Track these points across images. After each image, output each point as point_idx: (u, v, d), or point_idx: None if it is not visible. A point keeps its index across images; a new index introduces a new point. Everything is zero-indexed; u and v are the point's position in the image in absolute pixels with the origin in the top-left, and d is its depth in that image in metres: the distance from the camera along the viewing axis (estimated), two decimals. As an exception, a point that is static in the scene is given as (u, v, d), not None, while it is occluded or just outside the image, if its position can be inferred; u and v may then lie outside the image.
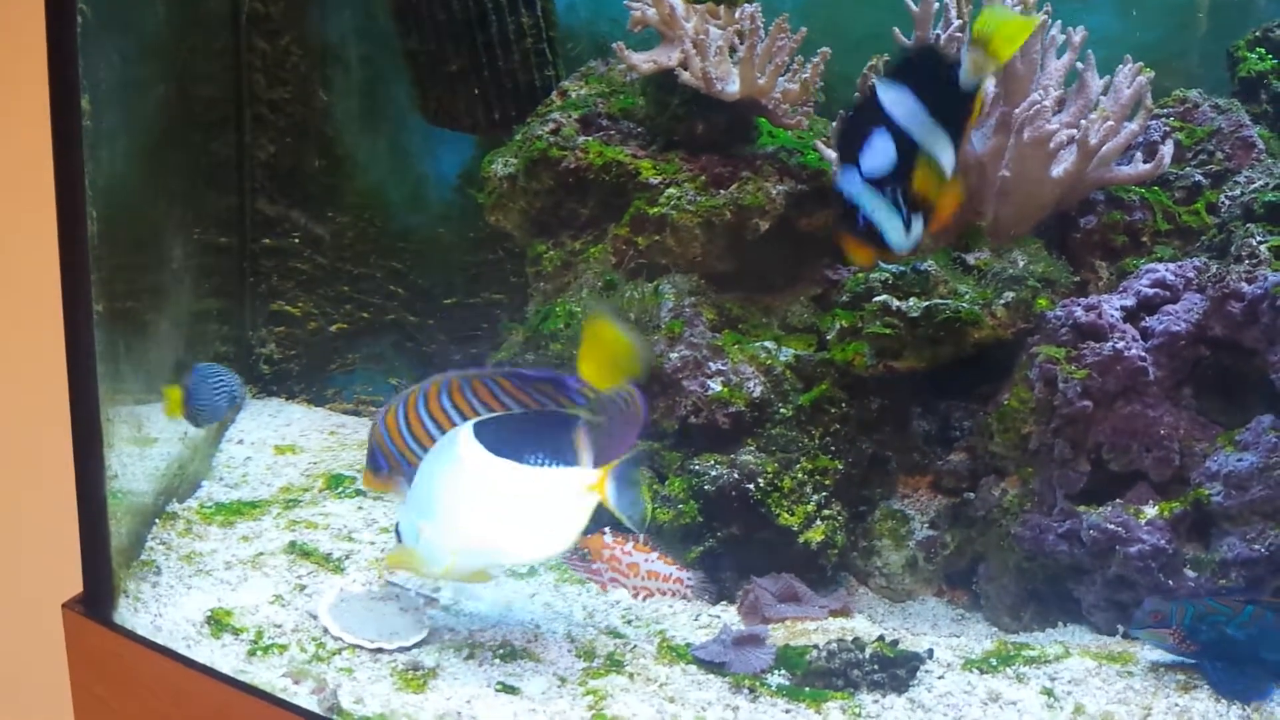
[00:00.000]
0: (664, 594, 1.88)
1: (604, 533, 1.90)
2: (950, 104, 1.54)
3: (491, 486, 1.54)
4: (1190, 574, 1.76)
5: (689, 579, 1.90)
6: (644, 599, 1.88)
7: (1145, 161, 2.14)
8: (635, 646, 1.72)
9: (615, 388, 1.74)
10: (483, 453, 1.54)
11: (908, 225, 1.55)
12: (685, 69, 2.15)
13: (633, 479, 1.58)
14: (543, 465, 1.55)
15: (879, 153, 1.53)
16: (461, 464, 1.55)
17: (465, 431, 1.56)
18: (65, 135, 1.57)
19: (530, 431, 1.58)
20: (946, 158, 1.55)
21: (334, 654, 1.65)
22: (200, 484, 2.21)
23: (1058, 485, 1.89)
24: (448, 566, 1.60)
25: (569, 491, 1.54)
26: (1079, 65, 2.15)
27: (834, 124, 2.22)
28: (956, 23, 2.05)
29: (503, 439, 1.56)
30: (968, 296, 2.02)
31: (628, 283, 2.13)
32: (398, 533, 1.61)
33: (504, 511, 1.54)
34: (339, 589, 1.82)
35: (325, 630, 1.69)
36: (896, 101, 1.53)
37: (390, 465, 1.71)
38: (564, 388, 1.72)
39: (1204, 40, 2.46)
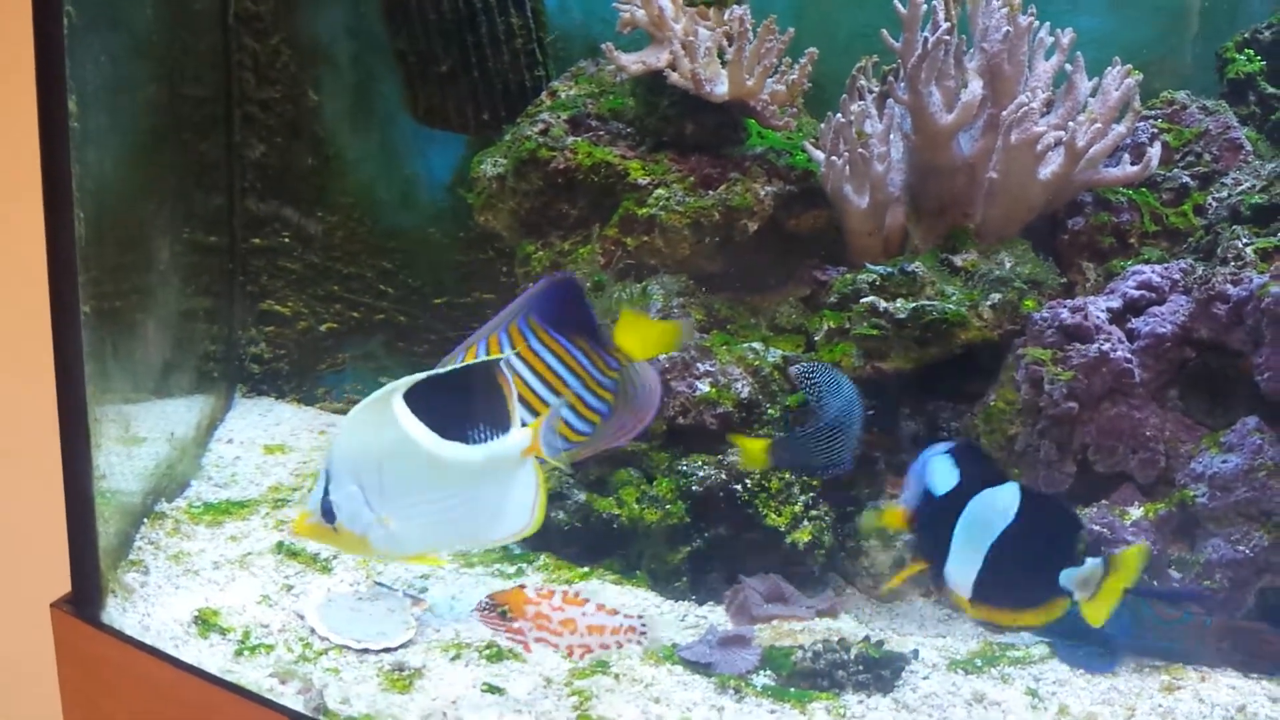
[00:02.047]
0: (607, 648, 1.58)
1: (523, 587, 1.63)
2: None
3: (447, 475, 1.46)
4: (1175, 575, 1.77)
5: (641, 624, 1.60)
6: (582, 657, 1.61)
7: (1133, 163, 2.14)
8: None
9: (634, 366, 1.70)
10: (430, 436, 1.45)
11: None
12: (674, 70, 2.16)
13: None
14: (484, 439, 1.48)
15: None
16: (414, 447, 1.45)
17: (400, 403, 1.45)
18: (52, 136, 1.56)
19: (463, 395, 1.49)
20: None
21: (321, 654, 1.65)
22: (189, 484, 2.21)
23: (1044, 486, 1.89)
24: (401, 557, 1.54)
25: (510, 464, 1.48)
26: (1067, 67, 2.16)
27: (822, 125, 2.22)
28: (945, 25, 2.05)
29: (440, 411, 1.46)
30: (955, 298, 2.03)
31: (616, 283, 2.13)
32: (326, 510, 1.47)
33: (463, 501, 1.47)
34: (326, 589, 1.82)
35: (312, 630, 1.70)
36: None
37: None
38: (599, 345, 1.67)
39: (1194, 42, 2.46)
